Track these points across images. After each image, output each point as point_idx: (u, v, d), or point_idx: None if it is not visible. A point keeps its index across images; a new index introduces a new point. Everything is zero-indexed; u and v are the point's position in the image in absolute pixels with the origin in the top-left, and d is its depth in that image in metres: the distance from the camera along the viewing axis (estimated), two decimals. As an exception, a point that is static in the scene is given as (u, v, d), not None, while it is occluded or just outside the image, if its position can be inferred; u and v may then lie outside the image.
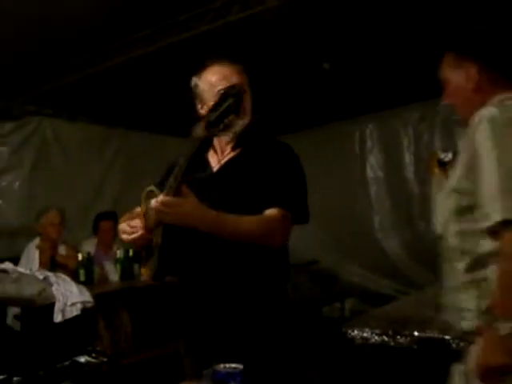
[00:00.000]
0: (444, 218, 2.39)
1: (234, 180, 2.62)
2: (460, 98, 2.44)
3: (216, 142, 2.77)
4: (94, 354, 1.39)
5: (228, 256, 2.58)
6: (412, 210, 7.44)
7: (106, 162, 7.39)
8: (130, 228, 2.61)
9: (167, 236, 2.50)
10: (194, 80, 2.77)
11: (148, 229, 2.57)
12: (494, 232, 2.13)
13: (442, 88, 2.39)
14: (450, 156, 5.15)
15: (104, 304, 4.57)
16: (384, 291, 7.26)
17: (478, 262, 2.25)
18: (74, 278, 4.82)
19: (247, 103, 2.70)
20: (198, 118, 2.67)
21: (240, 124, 2.57)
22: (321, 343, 5.78)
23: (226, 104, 2.22)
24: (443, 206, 2.41)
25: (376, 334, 3.01)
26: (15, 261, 5.34)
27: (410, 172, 7.49)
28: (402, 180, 7.54)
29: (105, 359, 1.39)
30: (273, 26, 4.83)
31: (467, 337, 2.29)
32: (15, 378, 1.28)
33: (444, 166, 6.07)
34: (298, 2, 4.49)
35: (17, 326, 5.09)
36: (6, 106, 6.50)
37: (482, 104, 2.32)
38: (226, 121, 2.23)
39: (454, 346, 3.08)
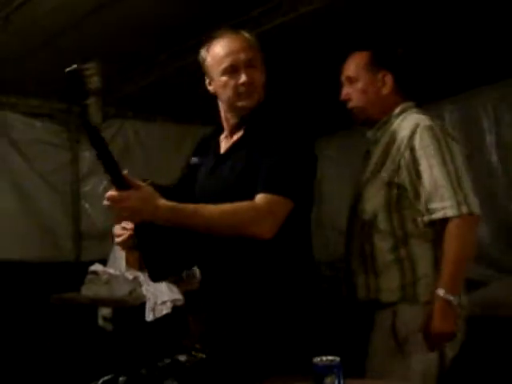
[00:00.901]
0: (373, 207, 2.93)
1: (231, 165, 2.50)
2: (370, 98, 3.04)
3: (225, 124, 2.68)
4: (193, 352, 1.41)
5: (223, 249, 2.51)
6: (496, 192, 7.27)
7: (183, 159, 7.39)
8: (122, 230, 2.51)
9: (142, 234, 2.40)
10: (202, 53, 2.63)
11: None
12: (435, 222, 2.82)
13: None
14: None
15: (192, 301, 4.63)
16: (473, 277, 7.10)
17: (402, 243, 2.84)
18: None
19: (259, 81, 2.56)
20: (210, 95, 2.66)
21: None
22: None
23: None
24: (375, 196, 2.93)
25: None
26: (103, 263, 5.47)
27: (492, 154, 7.31)
28: (485, 162, 7.37)
29: (204, 356, 1.42)
30: (347, 14, 4.78)
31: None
32: (121, 378, 1.33)
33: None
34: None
35: (108, 326, 5.21)
36: (87, 110, 6.65)
37: (390, 108, 3.06)
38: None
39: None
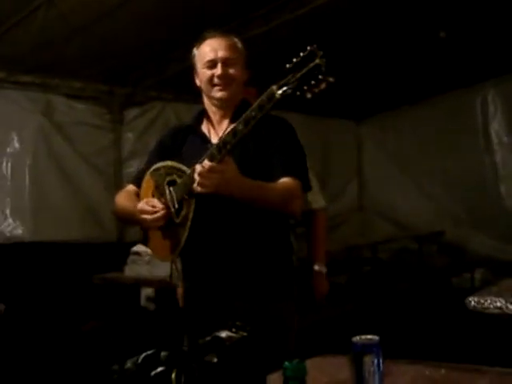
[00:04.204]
0: None
1: (237, 152, 2.53)
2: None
3: (212, 114, 2.82)
4: (233, 329, 1.43)
5: (241, 227, 2.63)
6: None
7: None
8: (151, 207, 2.62)
9: (198, 210, 2.52)
10: (194, 51, 2.82)
11: (167, 206, 2.59)
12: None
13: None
14: None
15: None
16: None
17: None
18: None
19: (235, 77, 2.74)
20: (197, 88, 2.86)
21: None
22: (446, 313, 5.73)
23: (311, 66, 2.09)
24: None
25: (510, 303, 2.94)
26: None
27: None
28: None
29: (245, 334, 1.43)
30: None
31: None
32: (163, 353, 1.36)
33: None
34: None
35: (150, 306, 5.27)
36: (130, 92, 6.72)
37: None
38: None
39: None
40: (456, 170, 7.79)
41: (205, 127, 2.83)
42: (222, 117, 2.79)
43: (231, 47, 2.76)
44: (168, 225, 2.63)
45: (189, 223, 2.55)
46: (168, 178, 2.66)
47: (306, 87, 2.10)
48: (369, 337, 1.69)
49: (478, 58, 6.48)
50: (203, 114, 2.86)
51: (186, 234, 2.57)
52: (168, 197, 2.62)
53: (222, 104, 2.76)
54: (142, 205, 2.65)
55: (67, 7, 4.60)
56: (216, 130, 2.79)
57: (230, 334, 1.63)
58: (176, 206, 2.58)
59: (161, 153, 2.86)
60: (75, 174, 6.45)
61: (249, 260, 2.63)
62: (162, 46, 5.52)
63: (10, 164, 6.09)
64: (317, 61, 2.07)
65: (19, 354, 4.96)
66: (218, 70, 2.70)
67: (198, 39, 2.82)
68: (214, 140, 2.69)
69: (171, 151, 2.83)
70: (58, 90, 6.32)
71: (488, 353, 3.64)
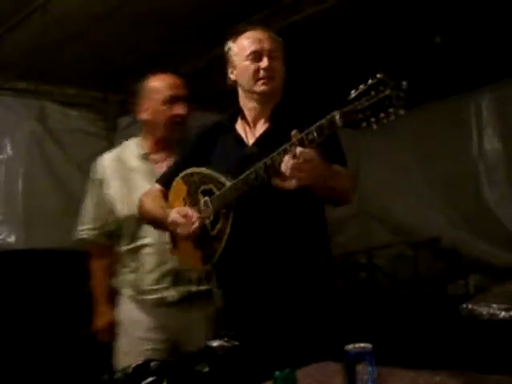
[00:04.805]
0: None
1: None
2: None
3: (248, 111, 2.71)
4: (226, 338, 1.42)
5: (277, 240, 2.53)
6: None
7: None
8: (185, 219, 2.56)
9: (236, 222, 2.46)
10: (229, 44, 2.73)
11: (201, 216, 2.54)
12: None
13: None
14: None
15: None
16: (509, 265, 7.07)
17: None
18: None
19: (279, 72, 2.65)
20: (229, 84, 2.75)
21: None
22: (442, 320, 5.71)
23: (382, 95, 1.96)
24: None
25: (504, 310, 2.94)
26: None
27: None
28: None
29: (237, 343, 1.42)
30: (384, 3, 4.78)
31: None
32: (152, 364, 1.34)
33: None
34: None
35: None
36: (124, 99, 6.63)
37: None
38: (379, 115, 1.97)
39: None
40: (451, 176, 7.79)
41: (240, 127, 2.72)
42: (260, 114, 2.69)
43: (275, 40, 2.68)
44: (201, 235, 2.58)
45: (225, 237, 2.49)
46: (203, 187, 2.60)
47: (373, 119, 1.99)
48: (362, 345, 1.68)
49: (473, 63, 6.48)
50: (238, 113, 2.75)
51: (221, 247, 2.51)
52: (203, 207, 2.57)
53: (262, 99, 2.65)
54: (174, 215, 2.60)
55: (61, 13, 4.59)
56: (252, 130, 2.69)
57: (221, 343, 1.62)
58: (211, 217, 2.53)
59: (196, 151, 2.78)
60: (68, 180, 6.38)
61: (289, 272, 2.54)
62: (156, 52, 5.51)
63: (2, 170, 6.05)
64: (387, 92, 1.95)
65: (12, 361, 4.93)
66: (265, 62, 2.59)
67: (232, 32, 2.73)
68: (251, 139, 2.64)
69: (205, 151, 2.74)
70: (51, 97, 6.29)
71: (482, 360, 3.63)
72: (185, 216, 2.56)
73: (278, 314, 2.52)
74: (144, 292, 3.29)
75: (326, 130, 2.10)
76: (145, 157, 3.40)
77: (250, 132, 2.69)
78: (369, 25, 5.23)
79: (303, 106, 2.65)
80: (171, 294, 3.23)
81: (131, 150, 3.52)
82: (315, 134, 2.11)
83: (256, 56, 2.60)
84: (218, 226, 2.52)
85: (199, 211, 2.58)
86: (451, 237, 7.96)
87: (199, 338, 3.02)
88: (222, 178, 2.50)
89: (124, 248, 3.40)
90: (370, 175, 8.78)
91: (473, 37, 5.78)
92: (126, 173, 3.43)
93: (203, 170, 2.62)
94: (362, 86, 2.00)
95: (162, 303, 3.26)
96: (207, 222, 2.55)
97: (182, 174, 2.72)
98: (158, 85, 3.28)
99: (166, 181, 2.86)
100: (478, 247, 7.74)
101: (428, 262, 7.91)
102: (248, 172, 2.36)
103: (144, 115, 3.34)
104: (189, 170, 2.69)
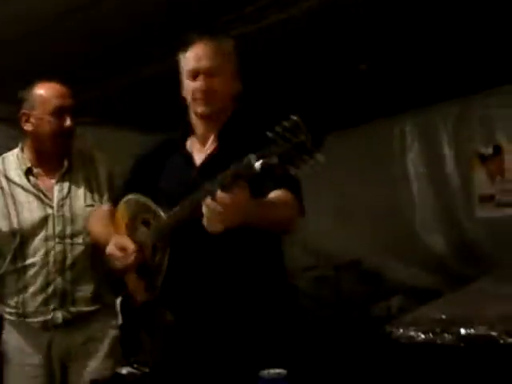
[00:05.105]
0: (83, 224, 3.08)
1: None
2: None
3: (196, 128, 2.62)
4: (135, 365, 1.39)
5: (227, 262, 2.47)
6: (454, 204, 7.38)
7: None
8: (121, 251, 2.46)
9: (173, 255, 2.38)
10: (179, 55, 2.62)
11: (140, 247, 2.45)
12: None
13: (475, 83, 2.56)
14: (490, 151, 5.14)
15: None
16: (431, 287, 7.18)
17: None
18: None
19: (220, 90, 2.52)
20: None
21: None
22: (364, 343, 5.76)
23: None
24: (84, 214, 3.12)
25: (422, 333, 3.00)
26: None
27: (451, 167, 7.40)
28: (444, 175, 7.47)
29: (147, 370, 1.39)
30: (308, 29, 4.80)
31: None
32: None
33: (485, 160, 6.06)
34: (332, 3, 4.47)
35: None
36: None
37: None
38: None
39: (501, 341, 3.06)
40: (375, 199, 7.86)
41: (189, 144, 2.63)
42: (208, 133, 2.59)
43: (217, 54, 2.52)
44: (142, 267, 2.49)
45: (164, 270, 2.40)
46: (143, 215, 2.51)
47: (288, 166, 1.81)
48: (277, 371, 1.67)
49: (398, 89, 6.61)
50: (188, 126, 2.65)
51: (161, 280, 2.41)
52: (142, 238, 2.49)
53: (205, 119, 2.56)
54: (111, 248, 2.49)
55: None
56: (201, 147, 2.60)
57: (131, 370, 1.59)
58: (150, 249, 2.45)
59: (143, 173, 2.70)
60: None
61: (230, 302, 2.48)
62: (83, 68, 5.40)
63: None
64: (301, 137, 1.74)
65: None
66: (198, 84, 2.48)
67: (186, 41, 2.59)
68: (198, 160, 2.55)
69: (153, 170, 2.64)
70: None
71: (403, 382, 3.68)
72: (121, 249, 2.46)
73: (222, 342, 2.47)
74: (28, 315, 3.15)
75: (244, 175, 1.92)
76: (28, 171, 3.23)
77: (199, 150, 2.62)
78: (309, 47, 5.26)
79: (253, 125, 2.50)
80: (57, 315, 3.12)
81: (11, 163, 3.29)
82: (230, 180, 1.95)
83: (194, 74, 2.51)
84: (157, 258, 2.43)
85: (139, 242, 2.49)
86: (374, 260, 8.06)
87: (91, 359, 3.07)
88: (158, 210, 2.42)
89: (6, 269, 3.20)
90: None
91: (398, 64, 5.90)
92: (8, 188, 3.22)
93: (141, 198, 2.54)
94: (276, 128, 1.77)
95: (48, 326, 3.14)
96: (147, 252, 2.47)
97: (125, 199, 2.66)
98: (45, 94, 3.12)
99: (114, 199, 2.81)
100: (400, 269, 7.85)
101: (350, 285, 7.97)
102: (179, 207, 2.27)
103: (28, 125, 3.16)
104: (131, 196, 2.61)
